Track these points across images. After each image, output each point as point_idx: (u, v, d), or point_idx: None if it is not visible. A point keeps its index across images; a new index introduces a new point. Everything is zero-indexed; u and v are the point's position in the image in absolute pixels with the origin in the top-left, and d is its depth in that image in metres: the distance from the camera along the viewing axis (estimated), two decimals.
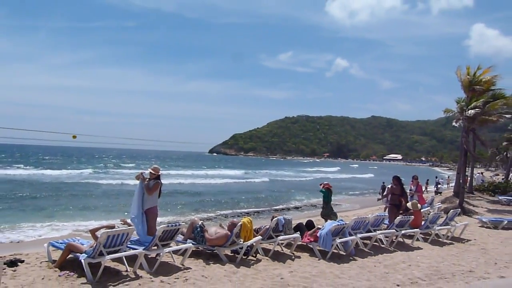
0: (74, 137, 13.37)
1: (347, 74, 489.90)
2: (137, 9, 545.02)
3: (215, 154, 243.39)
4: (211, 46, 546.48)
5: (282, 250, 8.97)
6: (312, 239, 8.92)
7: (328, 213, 11.16)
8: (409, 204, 11.53)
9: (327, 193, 11.59)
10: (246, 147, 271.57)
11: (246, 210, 20.56)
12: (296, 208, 22.67)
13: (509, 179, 29.73)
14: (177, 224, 7.49)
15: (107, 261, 6.31)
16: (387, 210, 12.68)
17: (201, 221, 8.40)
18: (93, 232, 6.78)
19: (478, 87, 20.27)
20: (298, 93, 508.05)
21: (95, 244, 6.33)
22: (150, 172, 8.12)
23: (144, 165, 60.74)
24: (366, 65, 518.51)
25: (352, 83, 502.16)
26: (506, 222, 13.93)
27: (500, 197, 21.96)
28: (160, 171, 8.24)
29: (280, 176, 57.42)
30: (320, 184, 12.16)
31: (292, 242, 9.02)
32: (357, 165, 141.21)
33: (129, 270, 6.62)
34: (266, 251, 8.60)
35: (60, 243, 7.22)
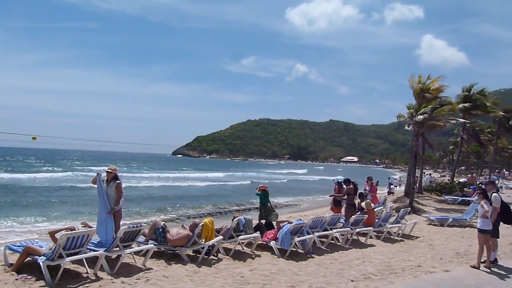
0: (34, 138, 12.87)
1: (307, 79, 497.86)
2: (101, 11, 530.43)
3: (180, 155, 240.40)
4: (175, 49, 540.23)
5: (243, 249, 8.99)
6: (271, 238, 9.00)
7: (267, 214, 11.05)
8: (363, 204, 11.85)
9: (263, 195, 11.59)
10: (209, 149, 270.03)
11: (208, 211, 20.46)
12: (257, 208, 22.71)
13: (454, 180, 31.11)
14: (139, 225, 7.36)
15: (66, 263, 6.11)
16: (343, 209, 13.01)
17: (163, 222, 8.30)
18: (52, 234, 6.52)
19: (427, 94, 21.14)
20: (260, 97, 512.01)
21: (54, 247, 6.12)
22: (108, 172, 7.94)
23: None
24: (324, 71, 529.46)
25: (311, 88, 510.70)
26: (451, 220, 14.59)
27: (446, 197, 22.92)
28: (118, 171, 8.09)
29: (257, 178, 57.15)
30: (257, 188, 12.14)
31: (253, 241, 9.06)
32: (322, 167, 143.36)
33: (89, 272, 6.43)
34: (227, 251, 8.59)
35: (18, 246, 6.91)
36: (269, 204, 11.56)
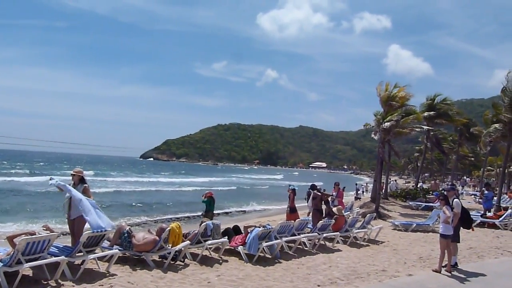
0: None
1: (277, 85, 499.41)
2: (69, 10, 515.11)
3: (151, 159, 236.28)
4: (145, 51, 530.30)
5: (210, 254, 8.91)
6: (239, 243, 8.96)
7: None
8: (335, 209, 12.03)
9: (209, 202, 11.43)
10: (179, 153, 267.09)
11: (176, 216, 20.19)
12: (226, 213, 22.70)
13: (418, 186, 31.99)
14: (103, 229, 7.14)
15: (25, 269, 5.87)
16: (310, 214, 13.13)
17: (129, 227, 8.12)
18: (10, 239, 6.22)
19: (394, 102, 21.68)
20: (230, 102, 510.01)
21: (12, 252, 5.86)
22: (73, 175, 7.70)
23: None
24: (294, 77, 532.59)
25: (281, 93, 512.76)
26: (414, 225, 14.96)
27: (410, 203, 23.51)
28: (83, 173, 7.88)
29: (240, 184, 56.78)
30: (203, 195, 12.02)
31: (220, 247, 9.00)
32: (297, 173, 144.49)
33: (50, 279, 6.19)
34: (194, 256, 8.49)
35: None
36: (212, 212, 11.32)
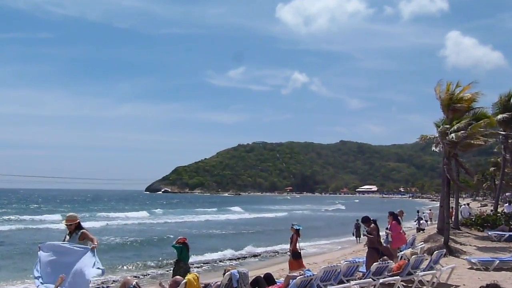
0: None
1: (308, 91, 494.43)
2: (55, 18, 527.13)
3: (159, 192, 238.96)
4: (146, 61, 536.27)
5: None
6: None
7: (181, 274, 10.29)
8: (408, 252, 11.81)
9: (179, 248, 10.76)
10: (192, 183, 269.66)
11: (194, 262, 20.19)
12: (254, 256, 22.64)
13: (498, 210, 31.08)
14: (105, 286, 7.21)
15: None
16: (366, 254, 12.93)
17: (136, 281, 8.15)
18: None
19: (459, 105, 21.27)
20: (252, 116, 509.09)
21: None
22: (68, 225, 7.89)
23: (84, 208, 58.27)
24: (329, 81, 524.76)
25: (314, 102, 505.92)
26: (497, 262, 14.48)
27: (489, 233, 22.81)
28: (79, 218, 8.08)
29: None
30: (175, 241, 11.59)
31: None
32: (357, 200, 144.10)
33: None
34: None
35: None
36: (183, 262, 10.59)
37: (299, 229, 13.33)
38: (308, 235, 32.11)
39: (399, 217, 16.49)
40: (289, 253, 13.48)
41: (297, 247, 13.20)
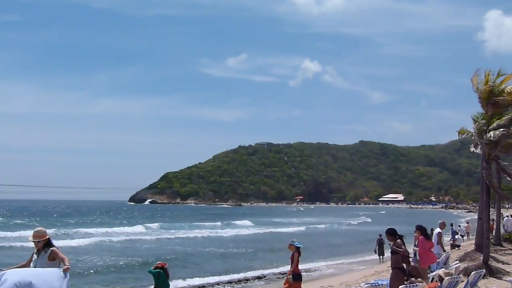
0: None
1: (321, 82, 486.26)
2: None
3: (146, 202, 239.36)
4: (130, 48, 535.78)
5: None
6: None
7: None
8: (440, 272, 11.80)
9: (156, 274, 10.88)
10: (184, 192, 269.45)
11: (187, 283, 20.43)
12: (259, 278, 22.78)
13: None
14: None
15: None
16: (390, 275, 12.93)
17: None
18: None
19: (500, 98, 21.20)
20: (255, 112, 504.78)
21: None
22: (35, 242, 7.93)
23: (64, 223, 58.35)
24: (346, 70, 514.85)
25: (328, 95, 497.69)
26: None
27: None
28: (47, 234, 8.11)
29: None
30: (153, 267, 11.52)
31: None
32: (384, 211, 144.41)
33: None
34: None
35: None
36: None
37: (299, 247, 13.39)
38: (326, 253, 32.37)
39: (440, 229, 16.48)
40: (288, 275, 13.48)
41: (298, 268, 13.41)
